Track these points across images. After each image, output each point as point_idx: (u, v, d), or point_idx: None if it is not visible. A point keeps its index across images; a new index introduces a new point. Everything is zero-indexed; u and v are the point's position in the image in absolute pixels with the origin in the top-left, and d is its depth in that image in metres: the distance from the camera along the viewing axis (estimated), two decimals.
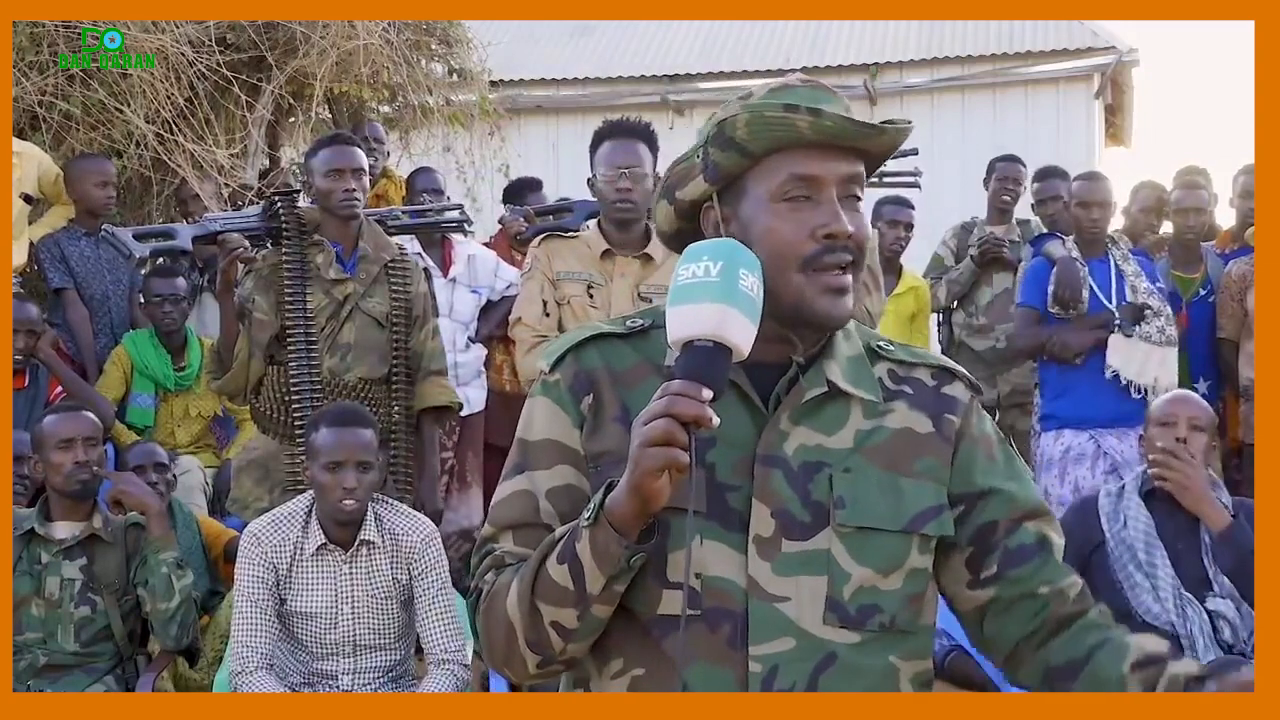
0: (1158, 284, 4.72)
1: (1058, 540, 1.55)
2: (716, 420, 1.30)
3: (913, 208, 5.46)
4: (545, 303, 3.62)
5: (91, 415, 3.80)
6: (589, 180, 3.68)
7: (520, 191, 5.54)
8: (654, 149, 3.62)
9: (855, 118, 1.44)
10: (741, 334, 1.33)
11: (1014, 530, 1.52)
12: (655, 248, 3.58)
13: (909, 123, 1.48)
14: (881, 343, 1.56)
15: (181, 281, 4.94)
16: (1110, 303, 4.61)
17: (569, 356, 1.51)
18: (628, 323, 1.53)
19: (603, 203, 3.61)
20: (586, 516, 1.36)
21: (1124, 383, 4.56)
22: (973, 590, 1.53)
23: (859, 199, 1.47)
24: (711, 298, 1.32)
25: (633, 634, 1.43)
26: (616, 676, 1.44)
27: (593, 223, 3.85)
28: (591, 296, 3.54)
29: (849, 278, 1.45)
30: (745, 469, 1.43)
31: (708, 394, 1.30)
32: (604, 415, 1.46)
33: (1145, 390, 4.53)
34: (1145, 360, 4.57)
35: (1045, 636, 1.52)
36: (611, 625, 1.42)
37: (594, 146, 3.61)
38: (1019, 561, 1.51)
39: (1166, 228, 5.61)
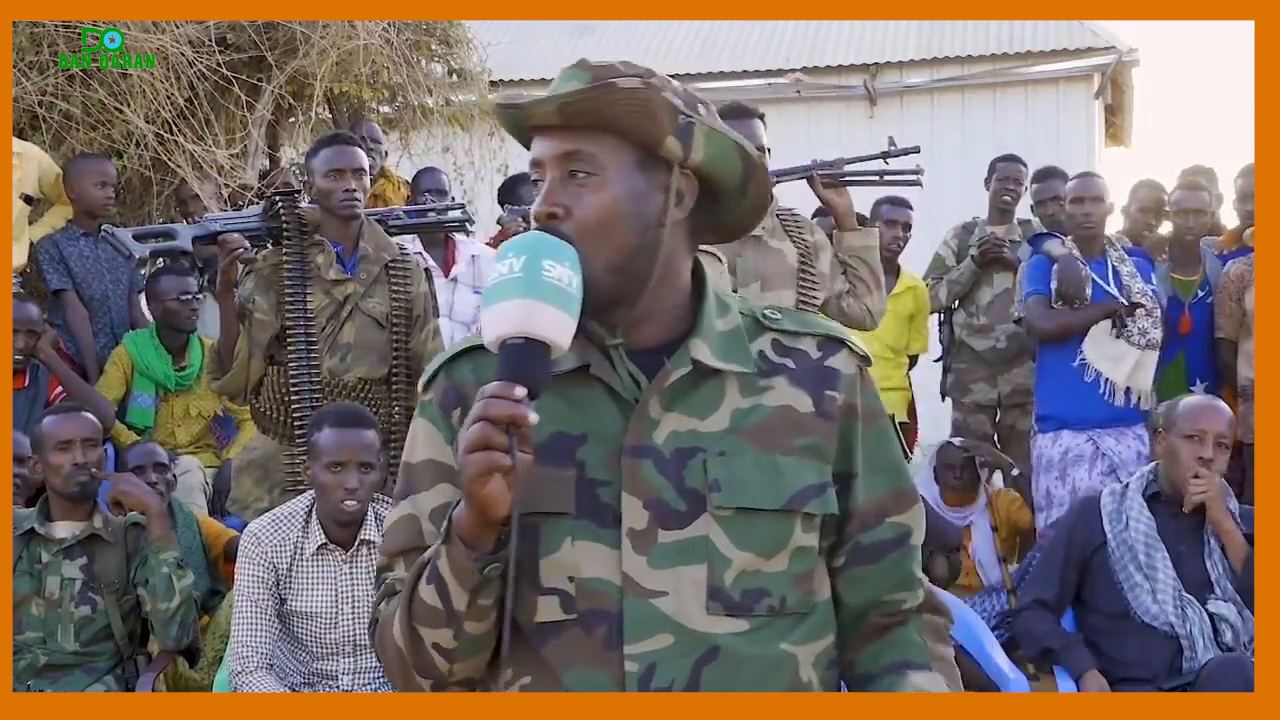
0: (1152, 286, 4.71)
1: (917, 534, 1.53)
2: (534, 418, 1.27)
3: (910, 207, 5.44)
4: None
5: (90, 416, 3.80)
6: None
7: (514, 188, 5.54)
8: None
9: (504, 100, 1.43)
10: (552, 326, 1.30)
11: (872, 525, 1.50)
12: None
13: (564, 95, 1.39)
14: (767, 312, 1.51)
15: (192, 280, 4.94)
16: (1112, 289, 4.60)
17: (440, 374, 1.49)
18: None
19: None
20: (441, 534, 1.35)
21: (1103, 386, 4.56)
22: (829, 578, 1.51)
23: (587, 174, 1.40)
24: (514, 294, 1.30)
25: (519, 643, 1.40)
26: (508, 685, 1.41)
27: None
28: None
29: None
30: (615, 462, 1.39)
31: (520, 392, 1.27)
32: None
33: (1129, 395, 4.53)
34: (1120, 360, 4.56)
35: (861, 641, 1.52)
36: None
37: None
38: (868, 559, 1.50)
39: (1165, 228, 5.61)
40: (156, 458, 4.17)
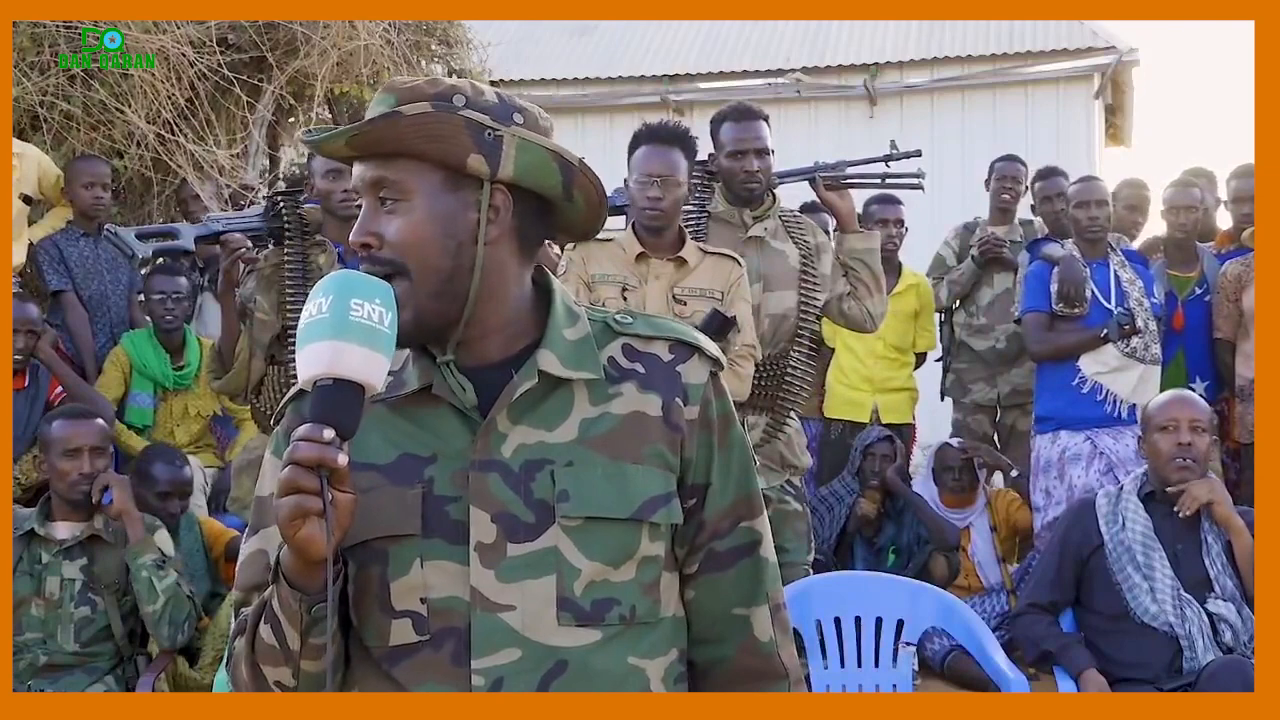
0: (1152, 298, 4.71)
1: (766, 544, 1.52)
2: (343, 459, 1.26)
3: (900, 203, 5.41)
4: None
5: (100, 422, 3.80)
6: (625, 180, 3.68)
7: None
8: (691, 155, 3.61)
9: (313, 134, 1.41)
10: (362, 365, 1.29)
11: (725, 532, 1.49)
12: (689, 251, 3.58)
13: (352, 128, 1.39)
14: (618, 317, 1.49)
15: (183, 281, 4.94)
16: (1109, 303, 4.60)
17: (290, 407, 1.47)
18: None
19: (633, 208, 3.61)
20: (271, 575, 1.35)
21: (1102, 394, 4.56)
22: (682, 587, 1.50)
23: (395, 200, 1.39)
24: (322, 335, 1.29)
25: (369, 668, 1.41)
26: None
27: (622, 222, 3.84)
28: (626, 299, 3.53)
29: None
30: (463, 479, 1.38)
31: (328, 434, 1.26)
32: None
33: (1135, 410, 4.53)
34: (1121, 372, 4.56)
35: (725, 684, 1.50)
36: (354, 660, 1.42)
37: (631, 148, 3.60)
38: (720, 566, 1.49)
39: (1156, 229, 5.63)
40: (184, 488, 4.10)
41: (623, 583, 1.41)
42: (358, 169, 1.42)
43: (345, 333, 1.29)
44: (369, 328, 1.30)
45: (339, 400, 1.29)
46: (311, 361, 1.30)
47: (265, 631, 1.36)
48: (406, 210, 1.39)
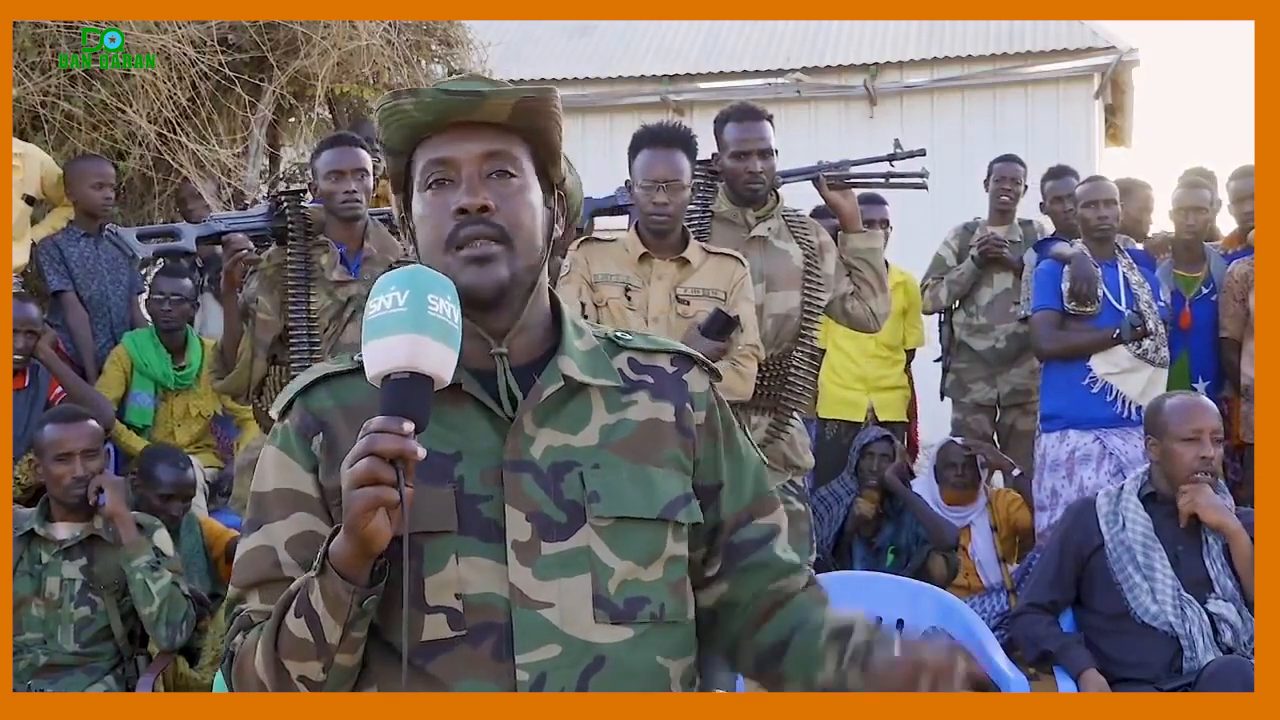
0: (1159, 301, 4.71)
1: (783, 530, 1.59)
2: (422, 452, 1.27)
3: (885, 203, 5.40)
4: (584, 305, 3.60)
5: (92, 424, 3.79)
6: (626, 183, 3.68)
7: None
8: (693, 155, 3.62)
9: (455, 89, 1.42)
10: (438, 360, 1.30)
11: (740, 527, 1.56)
12: (692, 251, 3.58)
13: (526, 90, 1.43)
14: (619, 333, 1.57)
15: (187, 283, 4.94)
16: (1120, 304, 4.60)
17: (296, 401, 1.48)
18: (355, 357, 1.45)
19: (640, 212, 3.61)
20: (315, 566, 1.34)
21: (1113, 394, 4.56)
22: (702, 590, 1.55)
23: (510, 175, 1.44)
24: (401, 328, 1.29)
25: (392, 664, 1.38)
26: None
27: (622, 222, 3.84)
28: (629, 299, 3.53)
29: (492, 247, 1.42)
30: (495, 478, 1.41)
31: (408, 427, 1.27)
32: (339, 452, 1.38)
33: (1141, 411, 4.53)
34: (1132, 374, 4.57)
35: (758, 623, 1.55)
36: (369, 658, 1.40)
37: (633, 150, 3.60)
38: (742, 555, 1.55)
39: (1155, 228, 5.62)
40: (187, 491, 4.12)
41: (652, 582, 1.45)
42: (462, 142, 1.44)
43: (424, 327, 1.30)
44: (444, 324, 1.32)
45: (415, 394, 1.30)
46: (387, 355, 1.30)
47: (297, 625, 1.35)
48: (520, 187, 1.45)
